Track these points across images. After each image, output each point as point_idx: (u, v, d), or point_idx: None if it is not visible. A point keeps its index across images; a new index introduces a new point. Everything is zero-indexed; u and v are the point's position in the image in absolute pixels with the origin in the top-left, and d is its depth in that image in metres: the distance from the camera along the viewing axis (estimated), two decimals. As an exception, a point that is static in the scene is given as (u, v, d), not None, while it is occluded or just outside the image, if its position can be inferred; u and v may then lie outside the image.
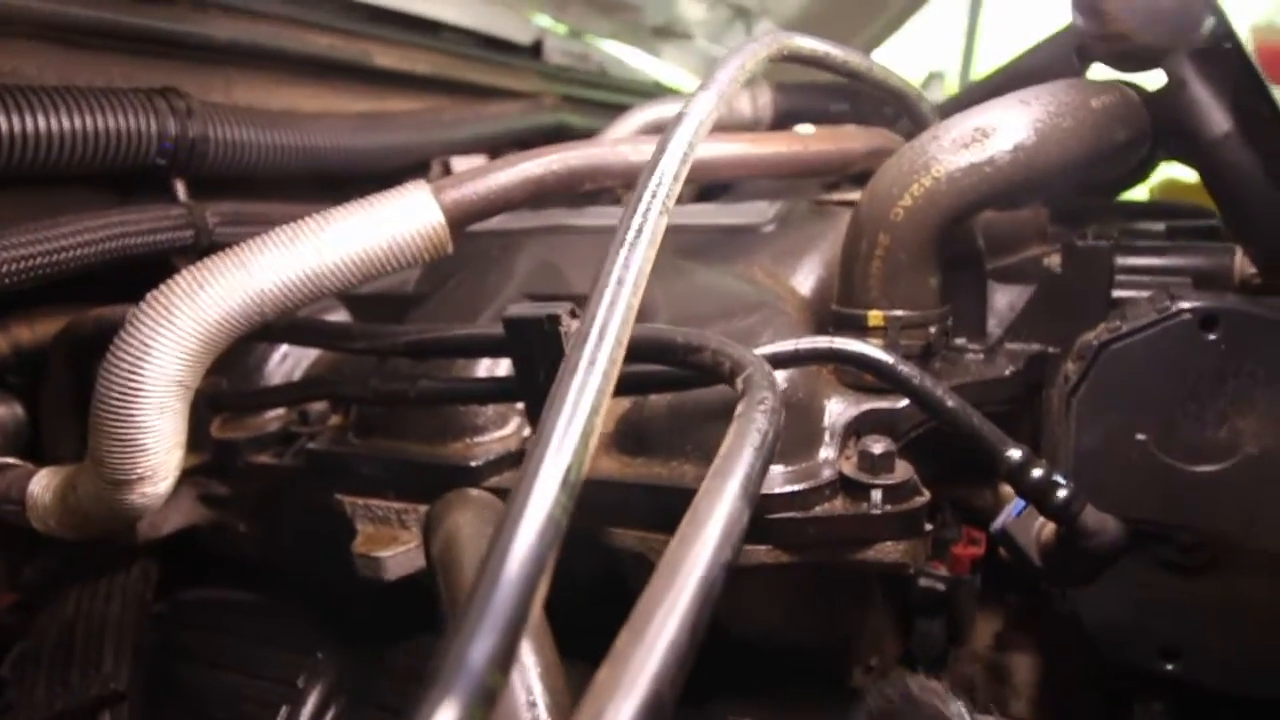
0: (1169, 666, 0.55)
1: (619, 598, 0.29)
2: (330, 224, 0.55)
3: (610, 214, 0.83)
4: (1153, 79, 0.56)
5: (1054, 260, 0.63)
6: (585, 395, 0.28)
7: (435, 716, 0.20)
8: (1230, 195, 0.54)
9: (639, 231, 0.35)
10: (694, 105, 0.43)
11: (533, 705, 0.35)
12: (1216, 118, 0.53)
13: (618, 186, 0.70)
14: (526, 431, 0.62)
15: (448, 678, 0.20)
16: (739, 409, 0.38)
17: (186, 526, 0.71)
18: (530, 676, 0.36)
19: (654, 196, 0.37)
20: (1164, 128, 0.55)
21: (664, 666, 0.24)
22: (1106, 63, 0.57)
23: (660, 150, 0.40)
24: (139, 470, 0.53)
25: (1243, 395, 0.50)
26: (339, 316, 0.79)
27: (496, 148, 1.14)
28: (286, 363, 0.75)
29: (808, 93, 1.12)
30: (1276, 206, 0.51)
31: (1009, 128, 0.51)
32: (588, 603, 0.42)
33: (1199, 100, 0.52)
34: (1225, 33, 0.52)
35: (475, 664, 0.21)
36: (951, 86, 2.27)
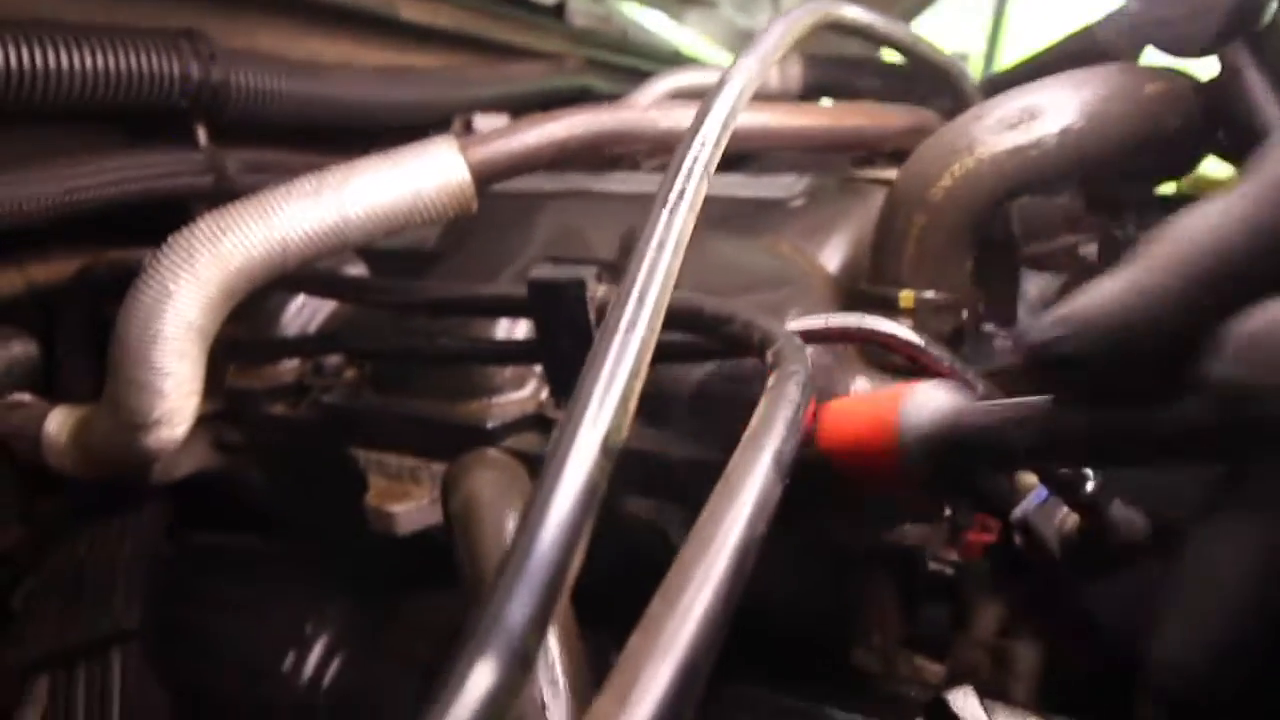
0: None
1: (631, 569, 0.29)
2: (355, 175, 0.54)
3: (633, 180, 0.82)
4: (1207, 67, 0.55)
5: (1090, 249, 0.62)
6: (625, 358, 0.28)
7: (473, 674, 0.19)
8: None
9: (681, 194, 0.34)
10: (738, 70, 0.42)
11: (550, 666, 0.35)
12: (1272, 111, 0.51)
13: (643, 152, 0.68)
14: (544, 394, 0.61)
15: (485, 637, 0.20)
16: (770, 381, 0.37)
17: (199, 471, 0.71)
18: (549, 639, 0.36)
19: (696, 160, 0.36)
20: (1216, 118, 0.54)
21: (699, 635, 0.24)
22: (1159, 47, 0.56)
23: (702, 114, 0.39)
24: (155, 415, 0.53)
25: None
26: (357, 270, 0.78)
27: (519, 108, 1.12)
28: (303, 313, 0.74)
29: (837, 67, 1.09)
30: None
31: (1057, 110, 0.50)
32: (599, 573, 0.42)
33: (1253, 90, 0.51)
34: (1286, 21, 0.50)
35: (514, 626, 0.20)
36: (976, 67, 2.23)
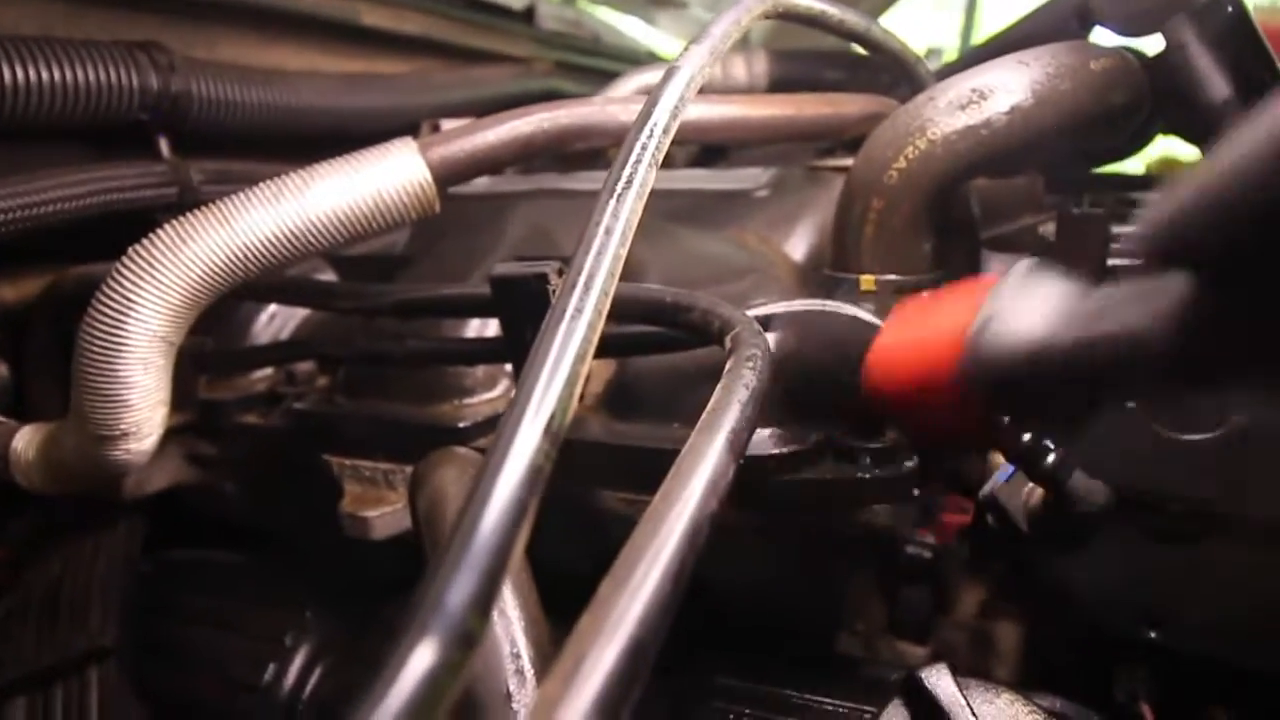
0: (1152, 634, 0.56)
1: (606, 561, 0.29)
2: (315, 180, 0.54)
3: (602, 178, 0.82)
4: (1154, 44, 0.56)
5: (1049, 229, 0.62)
6: (571, 343, 0.28)
7: (413, 656, 0.19)
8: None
9: (628, 182, 0.35)
10: (687, 59, 0.43)
11: (516, 657, 0.35)
12: (1216, 82, 0.52)
13: (609, 147, 0.69)
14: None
15: (425, 618, 0.20)
16: (728, 365, 0.37)
17: (173, 485, 0.71)
18: (514, 629, 0.36)
19: (644, 148, 0.37)
20: (1163, 93, 0.54)
21: (646, 613, 0.24)
22: (1107, 26, 0.57)
23: (652, 102, 0.39)
24: (122, 426, 0.52)
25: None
26: (327, 278, 0.78)
27: (487, 112, 1.12)
28: (274, 323, 0.74)
29: (804, 60, 1.10)
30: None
31: (1006, 89, 0.50)
32: (575, 566, 0.42)
33: (1199, 64, 0.52)
34: (1228, -5, 0.51)
35: (454, 606, 0.21)
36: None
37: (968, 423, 0.32)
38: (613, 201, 0.34)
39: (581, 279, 0.31)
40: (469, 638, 0.20)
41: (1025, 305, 0.29)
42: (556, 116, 0.60)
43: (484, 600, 0.21)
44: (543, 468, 0.25)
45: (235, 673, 0.64)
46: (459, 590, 0.21)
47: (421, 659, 0.19)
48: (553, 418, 0.26)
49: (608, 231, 0.32)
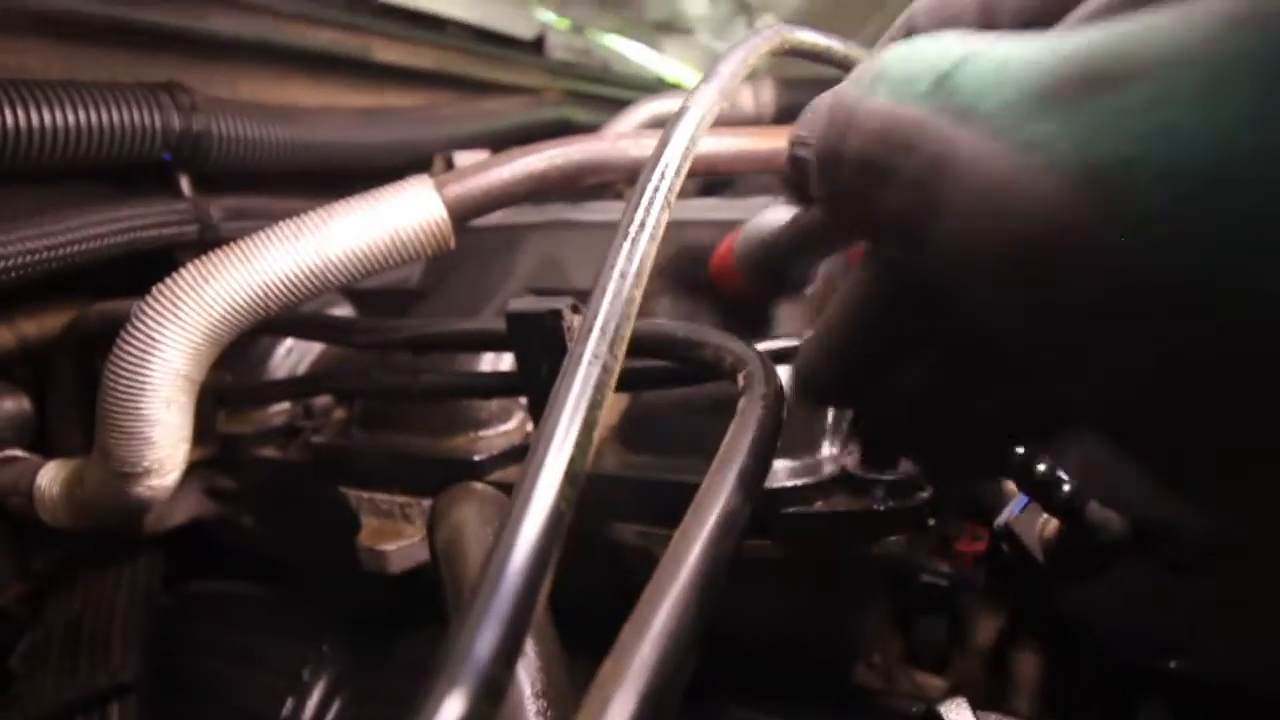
0: (1171, 663, 0.55)
1: (623, 594, 0.29)
2: (333, 218, 0.55)
3: (612, 209, 0.83)
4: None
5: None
6: (588, 389, 0.28)
7: (442, 710, 0.20)
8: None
9: (641, 225, 0.35)
10: (696, 99, 0.43)
11: (538, 697, 0.35)
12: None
13: (620, 181, 0.70)
14: (530, 426, 0.62)
15: (454, 671, 0.21)
16: (740, 404, 0.38)
17: (193, 519, 0.72)
18: (534, 669, 0.36)
19: (657, 190, 0.37)
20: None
21: (667, 657, 0.24)
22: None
23: (663, 144, 0.40)
24: (145, 463, 0.53)
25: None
26: (343, 311, 0.79)
27: (499, 143, 1.14)
28: (291, 357, 0.75)
29: (810, 89, 1.11)
30: None
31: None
32: (592, 599, 0.42)
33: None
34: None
35: (481, 657, 0.21)
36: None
37: (742, 286, 0.56)
38: (627, 244, 0.34)
39: (599, 323, 0.31)
40: (496, 689, 0.21)
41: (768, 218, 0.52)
42: (569, 153, 0.61)
43: (510, 649, 0.22)
44: (565, 513, 0.25)
45: (252, 707, 0.64)
46: (485, 642, 0.21)
47: (450, 712, 0.20)
48: (572, 462, 0.26)
49: (623, 275, 0.33)
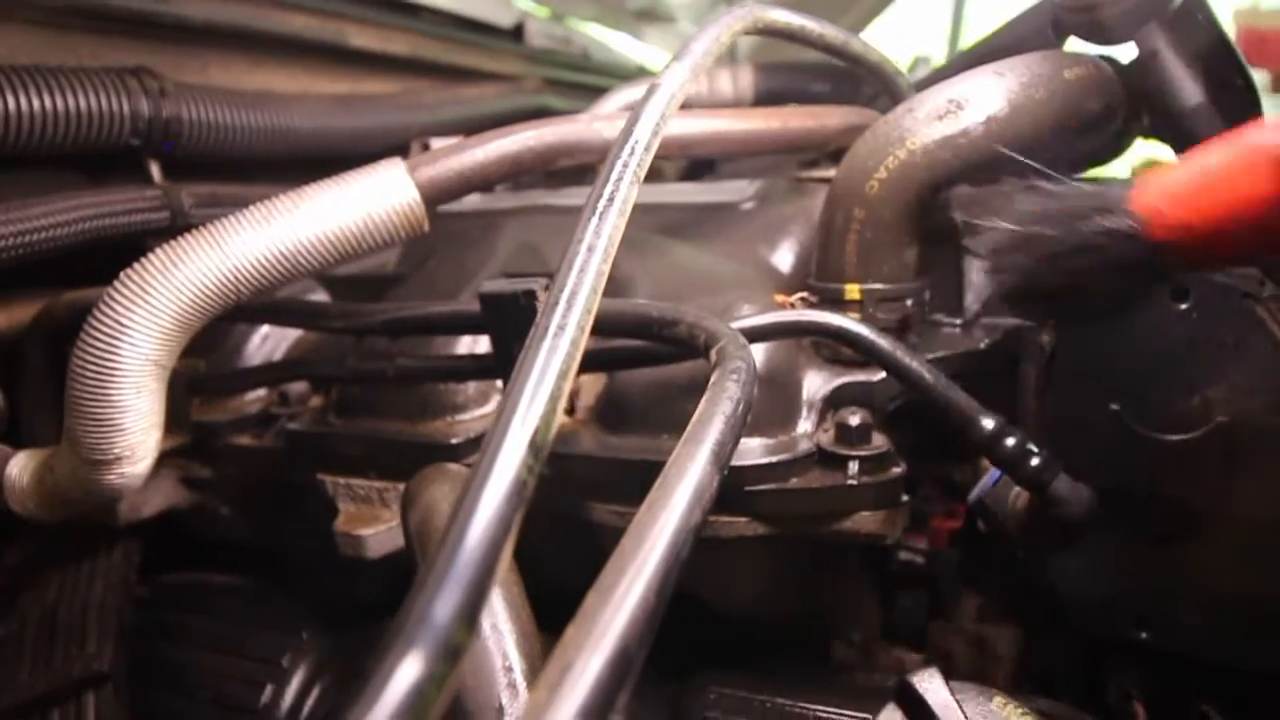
0: (1143, 635, 0.56)
1: (598, 574, 0.29)
2: (304, 201, 0.54)
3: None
4: (1127, 53, 0.57)
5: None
6: (554, 359, 0.28)
7: (399, 670, 0.20)
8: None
9: (610, 200, 0.35)
10: (667, 76, 0.43)
11: (509, 670, 0.35)
12: (1188, 88, 0.53)
13: (595, 164, 0.69)
14: (507, 409, 0.62)
15: (411, 632, 0.21)
16: (712, 378, 0.38)
17: (168, 509, 0.71)
18: (506, 642, 0.37)
19: (625, 166, 0.37)
20: (1137, 100, 0.55)
21: (631, 624, 0.24)
22: (1080, 36, 0.58)
23: (633, 120, 0.40)
24: (116, 450, 0.53)
25: (1213, 364, 0.51)
26: (319, 298, 0.79)
27: (477, 130, 1.13)
28: (266, 345, 0.74)
29: (789, 73, 1.11)
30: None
31: (981, 99, 0.51)
32: (568, 579, 0.42)
33: (1170, 71, 0.53)
34: (1197, 3, 0.52)
35: (439, 619, 0.21)
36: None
37: None
38: (595, 219, 0.34)
39: (564, 296, 0.31)
40: (454, 650, 0.21)
41: None
42: (542, 134, 0.60)
43: (469, 612, 0.22)
44: (527, 482, 0.25)
45: (232, 695, 0.63)
46: (444, 603, 0.21)
47: (408, 672, 0.20)
48: (536, 432, 0.26)
49: (590, 249, 0.33)
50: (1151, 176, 0.38)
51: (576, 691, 0.22)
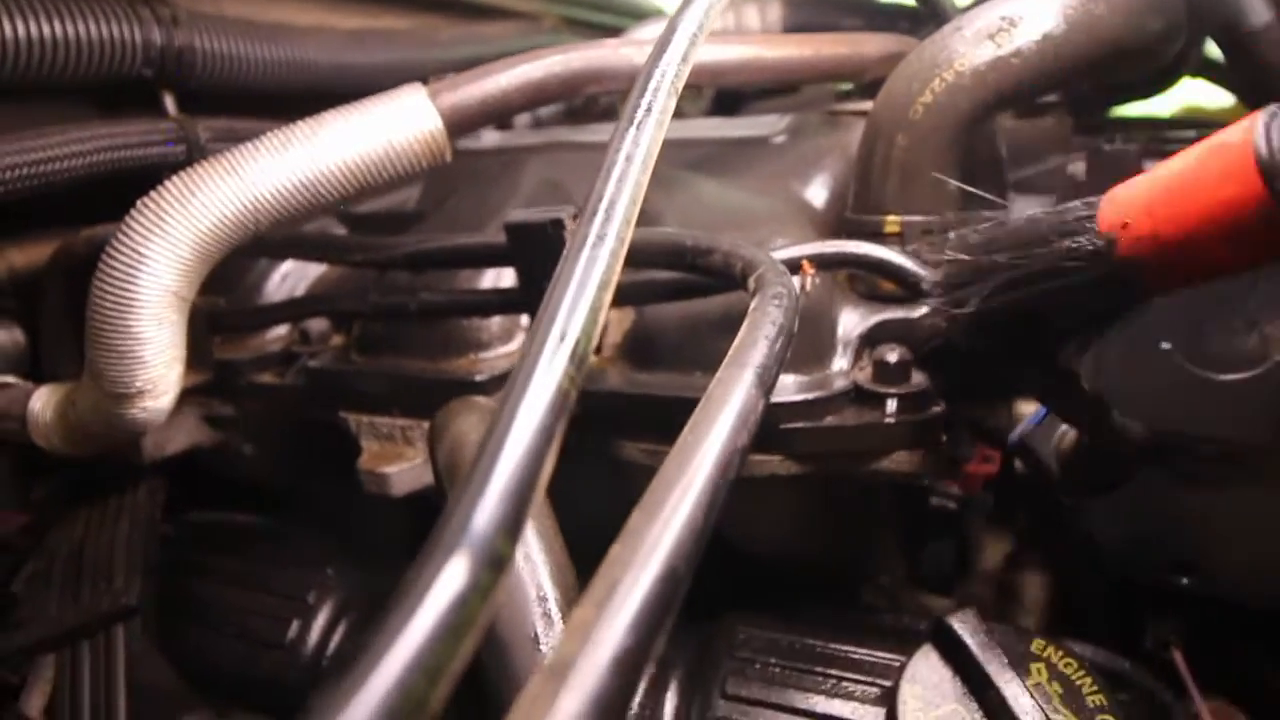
0: (1183, 581, 0.55)
1: (628, 512, 0.28)
2: (323, 128, 0.53)
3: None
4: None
5: (1078, 168, 0.60)
6: (594, 269, 0.27)
7: (442, 575, 0.19)
8: (1265, 91, 0.51)
9: (648, 109, 0.33)
10: (704, -13, 0.41)
11: (543, 600, 0.34)
12: (1257, 6, 0.50)
13: (621, 95, 0.67)
14: (532, 347, 0.60)
15: (453, 540, 0.19)
16: (753, 304, 0.36)
17: (191, 447, 0.71)
18: (540, 573, 0.36)
19: (664, 75, 0.35)
20: (1201, 19, 0.52)
21: (679, 543, 0.23)
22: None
23: (670, 29, 0.37)
24: (138, 383, 0.52)
25: (1272, 300, 0.48)
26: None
27: (495, 69, 1.10)
28: (287, 282, 0.73)
29: (818, 6, 1.07)
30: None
31: (1037, 15, 0.48)
32: (597, 517, 0.41)
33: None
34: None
35: (482, 527, 0.20)
36: None
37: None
38: (633, 129, 0.32)
39: (603, 205, 0.29)
40: (498, 560, 0.20)
41: None
42: (569, 60, 0.58)
43: (513, 523, 0.20)
44: (569, 392, 0.24)
45: (258, 630, 0.64)
46: (487, 512, 0.20)
47: (452, 579, 0.18)
48: (578, 343, 0.25)
49: (628, 159, 0.31)
50: (1118, 191, 0.35)
51: (626, 608, 0.21)
